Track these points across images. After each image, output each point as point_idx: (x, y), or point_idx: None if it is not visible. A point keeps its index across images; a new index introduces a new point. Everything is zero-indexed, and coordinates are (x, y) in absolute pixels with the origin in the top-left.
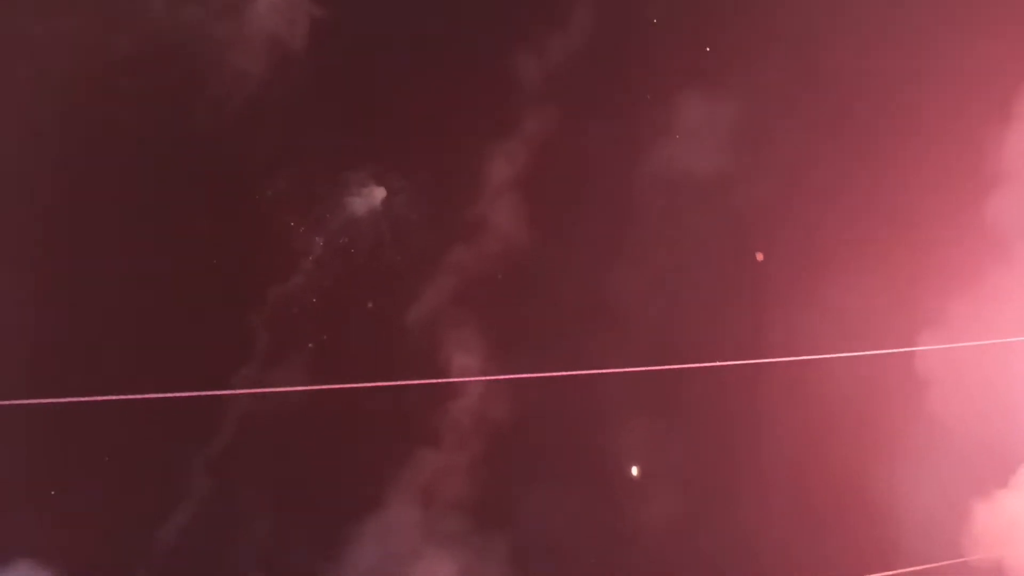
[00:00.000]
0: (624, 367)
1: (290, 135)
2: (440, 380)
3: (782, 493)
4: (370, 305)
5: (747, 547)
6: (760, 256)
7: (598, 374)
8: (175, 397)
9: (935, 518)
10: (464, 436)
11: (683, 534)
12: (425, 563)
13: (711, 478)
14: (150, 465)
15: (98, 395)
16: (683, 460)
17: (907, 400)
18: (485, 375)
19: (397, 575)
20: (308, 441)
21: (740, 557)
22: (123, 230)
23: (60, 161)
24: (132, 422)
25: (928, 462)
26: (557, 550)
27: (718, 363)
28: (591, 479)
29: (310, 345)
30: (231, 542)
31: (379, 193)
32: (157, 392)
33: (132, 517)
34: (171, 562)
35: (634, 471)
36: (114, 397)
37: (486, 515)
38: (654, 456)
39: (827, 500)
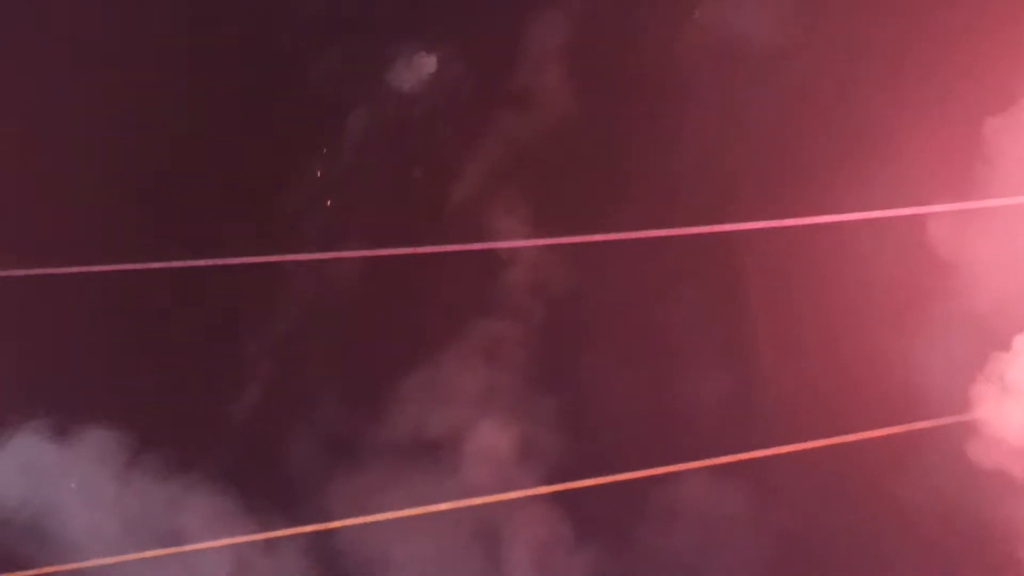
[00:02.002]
0: (673, 230)
1: (334, 7)
2: (492, 245)
3: (817, 354)
4: (418, 175)
5: (786, 408)
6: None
7: (649, 238)
8: (235, 263)
9: (941, 376)
10: (518, 304)
11: (732, 403)
12: (478, 430)
13: (759, 343)
14: (213, 336)
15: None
16: (735, 325)
17: (920, 263)
18: (536, 242)
19: (449, 441)
20: (362, 311)
21: (782, 422)
22: (159, 110)
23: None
24: (191, 291)
25: (939, 323)
26: (610, 419)
27: (775, 223)
28: (645, 348)
29: (358, 217)
30: (295, 413)
31: (427, 64)
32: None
33: (200, 386)
34: (241, 432)
35: None
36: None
37: (539, 383)
38: (706, 324)
39: (836, 357)
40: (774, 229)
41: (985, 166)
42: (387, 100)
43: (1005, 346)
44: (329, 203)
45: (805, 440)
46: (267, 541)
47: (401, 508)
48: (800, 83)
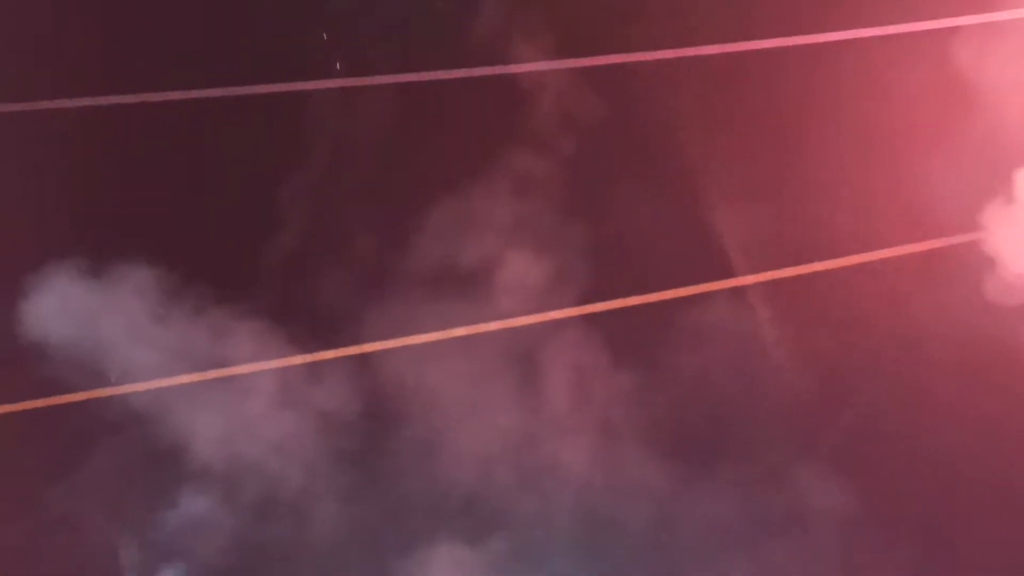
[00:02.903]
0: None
1: None
2: (516, 68)
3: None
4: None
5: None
6: None
7: (672, 59)
8: (263, 93)
9: (962, 196)
10: (546, 132)
11: (760, 225)
12: (508, 260)
13: (784, 165)
14: (245, 167)
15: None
16: (762, 149)
17: (944, 80)
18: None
19: (481, 269)
20: (391, 139)
21: (810, 243)
22: None
23: None
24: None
25: (961, 142)
26: (641, 249)
27: (797, 40)
28: (674, 178)
29: (382, 43)
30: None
31: None
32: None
33: (233, 217)
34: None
35: None
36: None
37: (569, 210)
38: (733, 148)
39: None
40: (796, 47)
41: None
42: None
43: None
44: (338, 66)
45: (834, 258)
46: (308, 366)
47: (438, 330)
48: None
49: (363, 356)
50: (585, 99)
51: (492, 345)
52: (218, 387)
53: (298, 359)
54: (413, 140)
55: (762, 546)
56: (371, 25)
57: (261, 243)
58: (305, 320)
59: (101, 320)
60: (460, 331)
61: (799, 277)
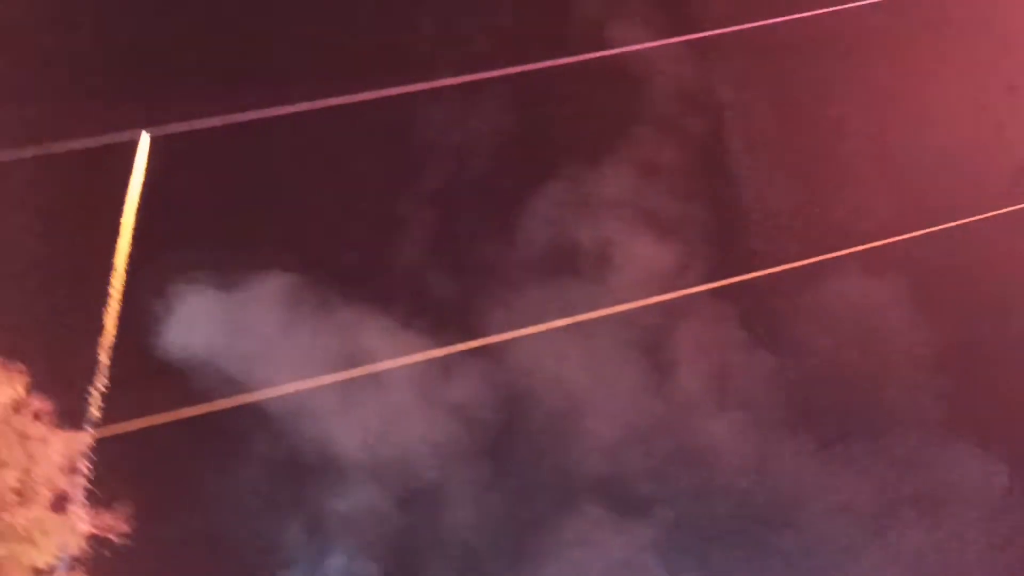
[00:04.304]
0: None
1: None
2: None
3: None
4: None
5: None
6: None
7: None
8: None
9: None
10: (662, 114)
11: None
12: (632, 243)
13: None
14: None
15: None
16: (877, 121)
17: None
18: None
19: (599, 251)
20: (506, 132)
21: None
22: None
23: None
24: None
25: None
26: (763, 225)
27: None
28: (794, 152)
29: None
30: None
31: None
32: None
33: (357, 219)
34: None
35: None
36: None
37: (691, 189)
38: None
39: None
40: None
41: None
42: None
43: None
44: None
45: (951, 220)
46: (440, 360)
47: (564, 317)
48: None
49: (494, 346)
50: (696, 77)
51: (619, 328)
52: (356, 385)
53: (430, 353)
54: (528, 132)
55: (897, 528)
56: (473, 21)
57: (387, 244)
58: (434, 315)
59: (241, 328)
60: (586, 316)
61: (926, 237)
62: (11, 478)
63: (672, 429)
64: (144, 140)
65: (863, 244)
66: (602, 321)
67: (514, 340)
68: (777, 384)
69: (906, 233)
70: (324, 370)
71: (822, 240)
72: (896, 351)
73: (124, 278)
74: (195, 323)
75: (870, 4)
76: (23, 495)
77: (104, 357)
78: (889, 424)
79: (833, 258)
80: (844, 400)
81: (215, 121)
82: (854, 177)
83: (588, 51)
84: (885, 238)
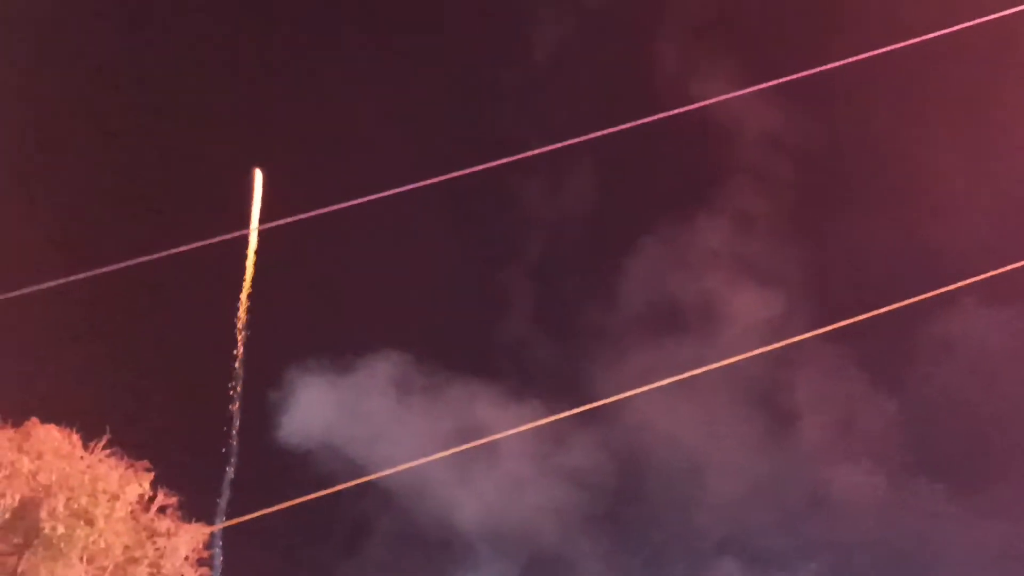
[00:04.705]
0: None
1: None
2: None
3: None
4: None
5: None
6: None
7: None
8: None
9: None
10: (750, 162)
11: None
12: (741, 294)
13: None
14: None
15: None
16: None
17: None
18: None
19: (703, 305)
20: (598, 197)
21: None
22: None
23: None
24: None
25: None
26: (865, 266)
27: None
28: (886, 191)
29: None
30: None
31: None
32: None
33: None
34: None
35: None
36: None
37: (791, 235)
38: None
39: None
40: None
41: None
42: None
43: None
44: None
45: None
46: (552, 426)
47: (672, 374)
48: None
49: (606, 409)
50: (783, 123)
51: (731, 382)
52: (473, 458)
53: (542, 421)
54: (620, 193)
55: None
56: (557, 92)
57: (492, 317)
58: (544, 383)
59: (357, 411)
60: (695, 372)
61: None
62: (142, 574)
63: (799, 481)
64: (253, 238)
65: (978, 275)
66: (712, 376)
67: (625, 402)
68: (903, 427)
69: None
70: (440, 446)
71: (933, 275)
72: (1008, 387)
73: (242, 371)
74: (313, 409)
75: (954, 41)
76: None
77: (227, 450)
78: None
79: (948, 291)
80: (974, 441)
81: (320, 208)
82: (958, 209)
83: (671, 107)
84: (1001, 267)
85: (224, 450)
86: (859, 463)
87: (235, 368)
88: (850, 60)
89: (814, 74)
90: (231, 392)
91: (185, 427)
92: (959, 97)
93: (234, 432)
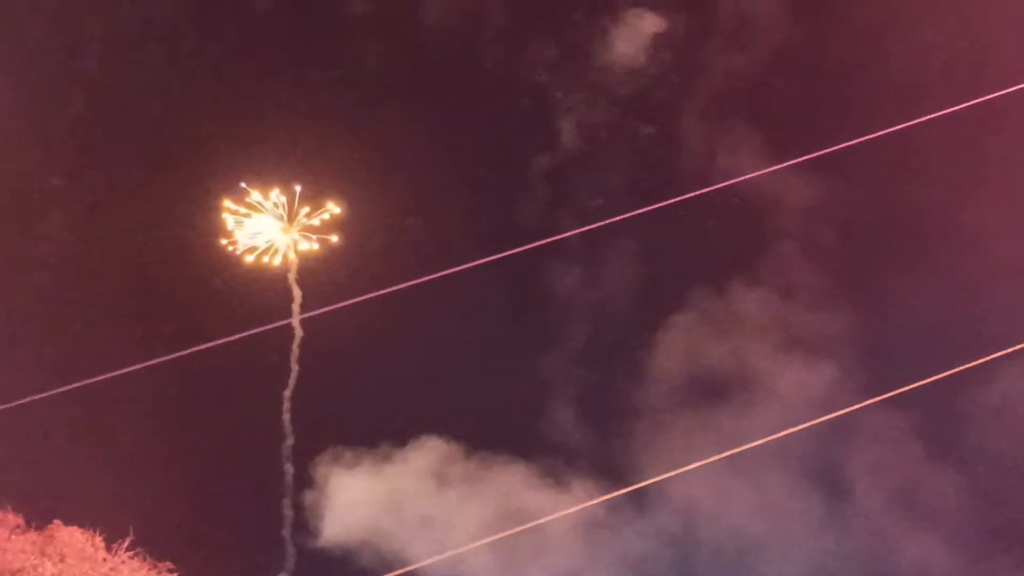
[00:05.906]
0: None
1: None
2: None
3: None
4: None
5: None
6: None
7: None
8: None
9: None
10: (808, 226)
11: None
12: (784, 366)
13: None
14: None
15: None
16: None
17: None
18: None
19: (754, 379)
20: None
21: None
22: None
23: None
24: None
25: None
26: (916, 331)
27: None
28: (933, 255)
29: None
30: None
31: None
32: None
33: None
34: None
35: None
36: None
37: (832, 302)
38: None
39: None
40: None
41: None
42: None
43: None
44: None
45: None
46: (604, 507)
47: (719, 451)
48: None
49: (652, 490)
50: (816, 196)
51: (782, 456)
52: (518, 544)
53: (586, 504)
54: (655, 271)
55: None
56: (588, 177)
57: (531, 402)
58: (586, 467)
59: (399, 502)
60: (742, 448)
61: None
62: None
63: (861, 559)
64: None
65: None
66: (761, 451)
67: (671, 481)
68: (965, 496)
69: None
70: (483, 533)
71: (985, 339)
72: None
73: (292, 467)
74: (353, 504)
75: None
76: None
77: (265, 548)
78: None
79: (1003, 356)
80: None
81: (356, 298)
82: (1002, 273)
83: (700, 187)
84: None
85: (281, 552)
86: (923, 537)
87: (284, 465)
88: (892, 129)
89: (860, 143)
90: (278, 489)
91: (209, 526)
92: (1005, 161)
93: (269, 532)
